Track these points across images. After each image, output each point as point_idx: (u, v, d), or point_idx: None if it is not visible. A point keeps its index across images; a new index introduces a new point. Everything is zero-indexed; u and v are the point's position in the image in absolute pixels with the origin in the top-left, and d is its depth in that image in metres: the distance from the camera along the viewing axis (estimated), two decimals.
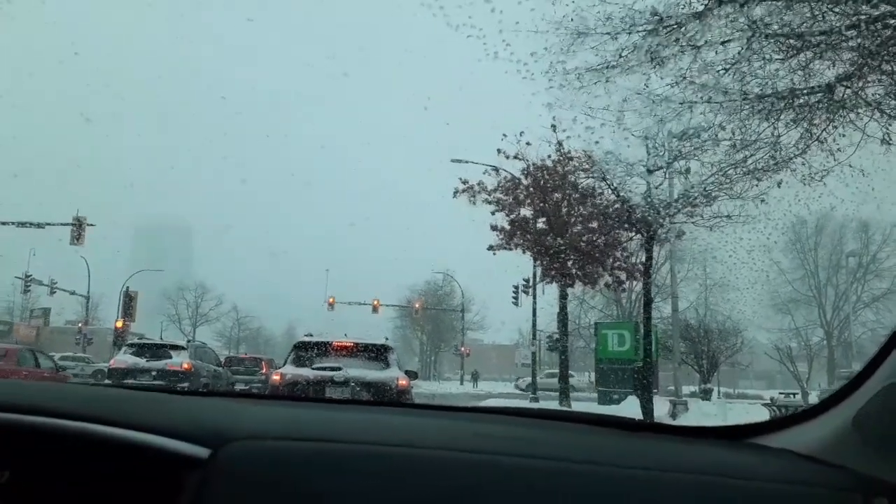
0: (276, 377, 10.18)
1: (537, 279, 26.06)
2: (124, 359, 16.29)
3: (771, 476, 1.12)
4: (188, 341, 18.60)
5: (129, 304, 39.30)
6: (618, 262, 20.80)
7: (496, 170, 21.22)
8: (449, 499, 1.05)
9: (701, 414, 17.89)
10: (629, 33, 9.92)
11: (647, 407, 16.11)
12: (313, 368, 10.00)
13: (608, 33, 10.09)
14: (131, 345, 17.87)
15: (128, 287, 40.64)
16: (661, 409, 18.09)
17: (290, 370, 10.09)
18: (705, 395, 25.41)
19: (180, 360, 16.20)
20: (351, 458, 1.10)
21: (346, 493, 1.05)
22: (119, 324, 36.14)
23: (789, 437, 1.28)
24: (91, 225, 33.75)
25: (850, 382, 1.21)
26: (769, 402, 17.98)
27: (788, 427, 1.32)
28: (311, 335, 11.10)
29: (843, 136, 10.44)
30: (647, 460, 1.17)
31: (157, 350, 16.78)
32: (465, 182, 21.28)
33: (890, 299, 40.90)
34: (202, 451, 1.10)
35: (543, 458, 1.13)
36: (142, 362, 16.01)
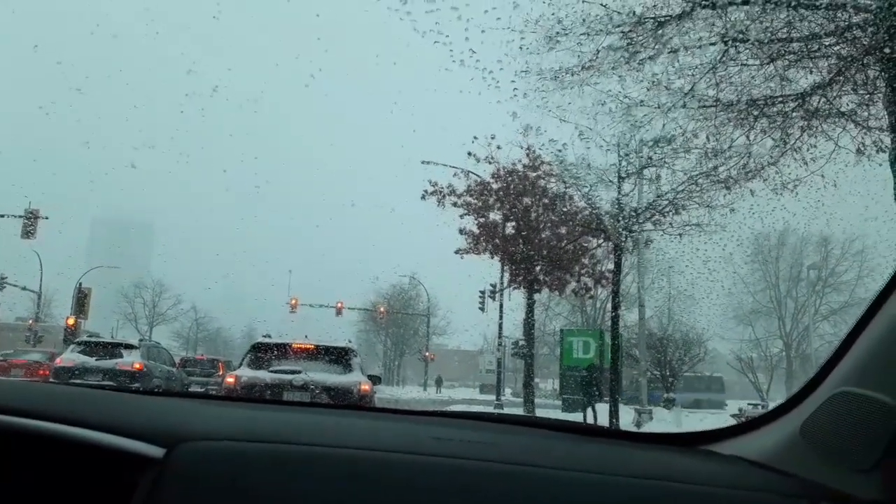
0: (230, 379, 9.74)
1: (504, 284, 25.85)
2: (72, 357, 15.56)
3: (721, 482, 1.15)
4: (141, 340, 17.90)
5: (81, 300, 38.03)
6: (585, 269, 20.73)
7: (466, 173, 20.97)
8: (407, 501, 1.04)
9: (666, 423, 17.86)
10: (607, 34, 9.73)
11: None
12: (271, 371, 9.59)
13: (585, 33, 9.89)
14: (80, 343, 17.13)
15: (81, 283, 39.39)
16: (626, 418, 18.01)
17: (246, 372, 9.66)
18: (668, 403, 25.50)
19: (132, 360, 15.54)
20: (307, 460, 1.10)
21: (302, 495, 1.03)
22: (70, 321, 34.86)
23: (741, 444, 1.33)
24: (44, 218, 32.62)
25: (799, 392, 1.25)
26: (738, 412, 18.05)
27: (740, 435, 1.37)
28: (270, 336, 10.68)
29: (815, 146, 10.40)
30: (601, 464, 1.20)
31: (108, 349, 16.10)
32: (434, 184, 20.98)
33: (847, 312, 41.62)
34: (156, 451, 1.08)
35: (501, 461, 1.14)
36: (91, 361, 15.30)
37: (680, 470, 1.22)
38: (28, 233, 31.99)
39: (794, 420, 1.22)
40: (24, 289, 44.49)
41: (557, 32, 10.24)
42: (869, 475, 1.05)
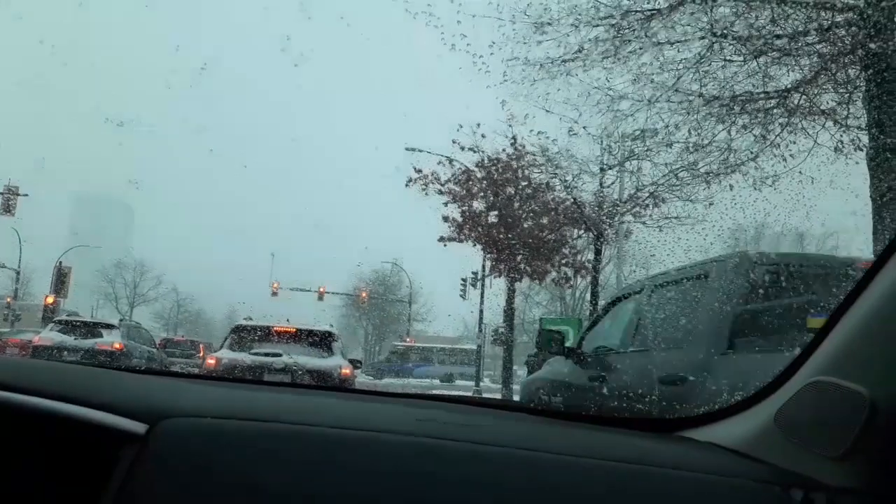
0: (210, 361, 9.76)
1: (486, 272, 25.98)
2: (50, 336, 15.45)
3: (695, 467, 1.17)
4: (121, 320, 17.81)
5: (61, 279, 37.62)
6: (565, 259, 20.87)
7: (450, 160, 20.96)
8: (390, 480, 1.05)
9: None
10: (594, 25, 9.78)
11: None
12: (251, 354, 9.61)
13: (572, 24, 9.93)
14: (59, 322, 17.00)
15: (60, 262, 38.94)
16: None
17: (227, 354, 9.68)
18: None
19: (111, 340, 15.47)
20: (291, 438, 1.10)
21: (286, 472, 1.03)
22: (49, 300, 34.51)
23: (715, 431, 1.34)
24: (24, 195, 32.18)
25: (774, 380, 1.26)
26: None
27: (715, 422, 1.38)
28: (251, 318, 10.69)
29: (794, 143, 10.54)
30: (579, 447, 1.21)
31: (87, 328, 16.01)
32: (418, 171, 20.97)
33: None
34: (139, 427, 1.08)
35: (483, 443, 1.16)
36: (69, 340, 15.20)
37: (656, 454, 1.24)
38: (6, 209, 31.56)
39: (769, 408, 1.23)
40: (2, 266, 43.91)
41: (545, 22, 10.29)
42: (840, 463, 1.07)
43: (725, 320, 4.12)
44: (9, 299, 43.87)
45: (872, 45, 8.32)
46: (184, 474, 1.03)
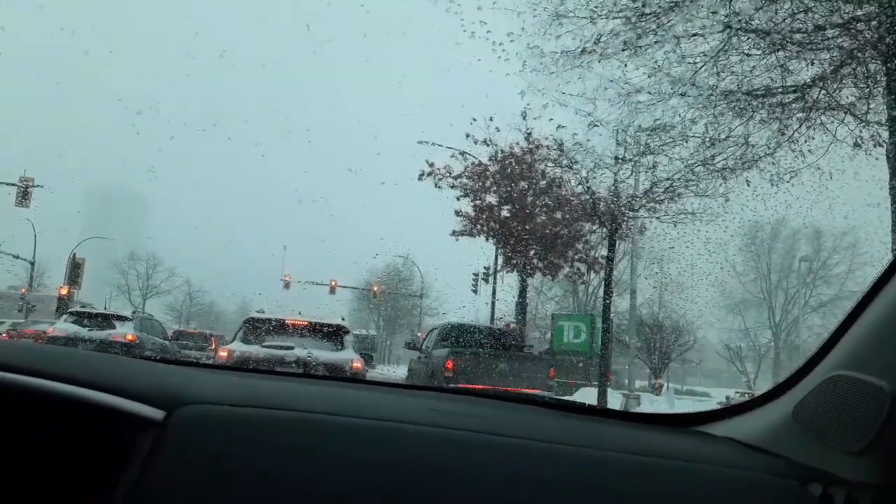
0: (223, 353, 9.77)
1: (498, 267, 25.90)
2: (64, 327, 15.56)
3: (712, 460, 1.16)
4: (134, 312, 17.92)
5: (75, 270, 37.88)
6: (579, 255, 20.77)
7: (463, 154, 20.89)
8: (402, 468, 1.05)
9: (653, 408, 18.02)
10: (611, 18, 9.68)
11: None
12: (263, 346, 9.61)
13: (588, 17, 9.83)
14: (73, 313, 17.12)
15: (74, 253, 39.23)
16: (614, 403, 18.16)
17: (239, 347, 9.68)
18: (656, 390, 25.72)
19: (124, 332, 15.55)
20: (306, 426, 1.10)
21: (301, 459, 1.04)
22: (63, 290, 34.76)
23: (732, 426, 1.34)
24: (38, 186, 32.40)
25: (792, 376, 1.25)
26: (725, 400, 18.21)
27: (732, 417, 1.37)
28: (263, 311, 10.70)
29: (813, 138, 10.40)
30: (594, 440, 1.20)
31: (101, 320, 16.11)
32: (431, 165, 20.92)
33: (836, 305, 41.84)
34: (157, 413, 1.08)
35: (495, 433, 1.15)
36: (83, 332, 15.30)
37: (672, 448, 1.23)
38: (21, 201, 31.79)
39: (787, 403, 1.22)
40: (17, 257, 44.31)
41: (560, 14, 10.19)
42: (859, 458, 1.06)
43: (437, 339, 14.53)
44: (23, 290, 44.32)
45: (892, 41, 8.18)
46: (202, 461, 1.03)
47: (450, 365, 12.51)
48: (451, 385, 10.88)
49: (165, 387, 1.17)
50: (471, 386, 10.94)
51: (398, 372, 25.17)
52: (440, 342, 14.37)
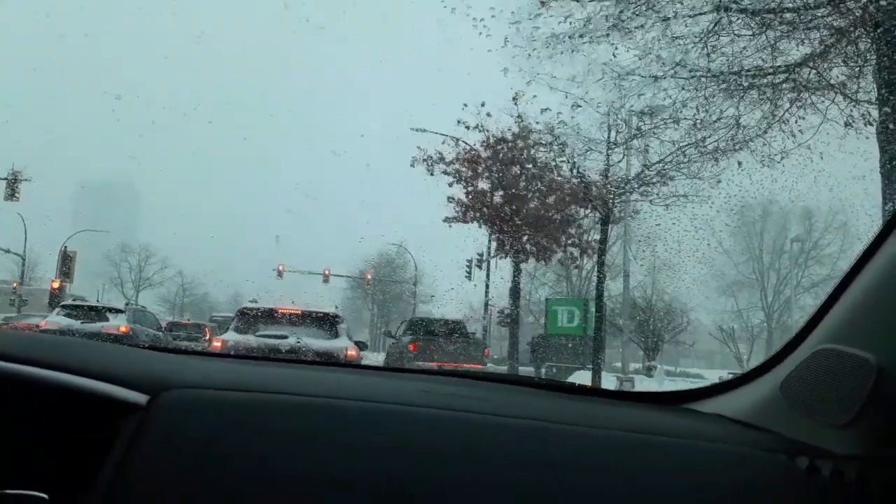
0: (216, 343, 9.77)
1: (491, 253, 25.91)
2: (57, 320, 15.48)
3: (700, 436, 1.17)
4: (127, 304, 17.86)
5: (66, 263, 37.70)
6: (572, 239, 20.78)
7: (455, 140, 20.80)
8: (396, 448, 1.05)
9: (644, 388, 18.16)
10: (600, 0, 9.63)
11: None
12: (258, 336, 9.61)
13: None
14: (65, 306, 17.05)
15: (66, 246, 39.03)
16: (608, 385, 18.29)
17: (233, 337, 9.69)
18: (649, 372, 25.89)
19: (117, 324, 15.51)
20: (295, 409, 1.09)
21: (289, 442, 1.03)
22: (55, 284, 34.60)
23: (721, 402, 1.35)
24: (27, 180, 32.16)
25: (780, 351, 1.25)
26: (718, 381, 18.37)
27: (721, 394, 1.39)
28: (256, 301, 10.69)
29: (804, 118, 10.41)
30: (586, 418, 1.21)
31: (93, 312, 16.05)
32: (423, 151, 20.82)
33: (828, 285, 41.73)
34: (140, 398, 1.08)
35: (489, 413, 1.15)
36: (76, 324, 15.23)
37: (662, 425, 1.23)
38: (11, 194, 31.56)
39: (775, 378, 1.23)
40: (7, 251, 44.05)
41: None
42: (845, 431, 1.06)
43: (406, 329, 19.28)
44: (15, 284, 44.07)
45: (883, 17, 8.17)
46: (186, 444, 1.02)
47: (412, 347, 16.64)
48: (417, 363, 14.71)
49: (150, 372, 1.17)
50: (437, 363, 15.22)
51: (380, 358, 25.60)
52: (407, 331, 19.24)
